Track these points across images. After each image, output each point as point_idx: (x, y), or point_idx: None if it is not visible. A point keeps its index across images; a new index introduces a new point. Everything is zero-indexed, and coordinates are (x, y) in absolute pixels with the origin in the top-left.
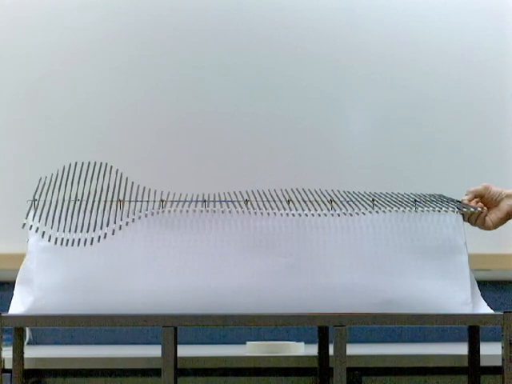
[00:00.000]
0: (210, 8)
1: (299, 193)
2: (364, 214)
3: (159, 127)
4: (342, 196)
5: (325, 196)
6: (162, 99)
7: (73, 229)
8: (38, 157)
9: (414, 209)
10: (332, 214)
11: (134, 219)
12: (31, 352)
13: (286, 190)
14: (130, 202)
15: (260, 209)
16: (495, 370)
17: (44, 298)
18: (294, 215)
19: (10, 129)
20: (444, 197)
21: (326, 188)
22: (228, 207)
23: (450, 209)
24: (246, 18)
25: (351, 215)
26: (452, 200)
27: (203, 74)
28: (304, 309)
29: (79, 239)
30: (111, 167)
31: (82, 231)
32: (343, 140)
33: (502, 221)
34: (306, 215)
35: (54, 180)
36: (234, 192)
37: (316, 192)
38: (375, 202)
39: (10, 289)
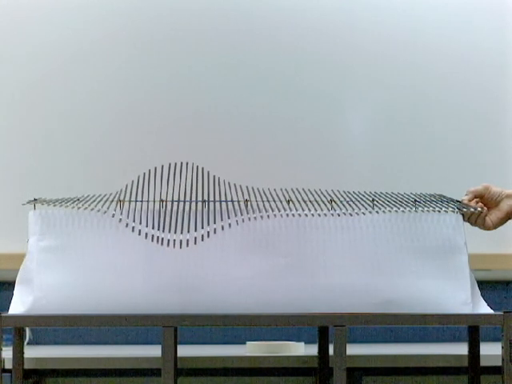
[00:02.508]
0: (210, 8)
1: (299, 193)
2: (364, 214)
3: (159, 127)
4: (342, 196)
5: (325, 196)
6: (162, 99)
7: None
8: (37, 157)
9: (414, 209)
10: (332, 214)
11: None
12: (31, 352)
13: (286, 190)
14: (129, 201)
15: (260, 209)
16: (495, 370)
17: (44, 297)
18: (293, 215)
19: (10, 129)
20: (444, 197)
21: (326, 188)
22: (228, 207)
23: (450, 209)
24: (246, 18)
25: (351, 215)
26: (452, 200)
27: (203, 73)
28: (304, 309)
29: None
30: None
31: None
32: (343, 140)
33: (502, 221)
34: (306, 215)
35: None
36: (236, 191)
37: (316, 192)
38: (375, 202)
39: (10, 289)
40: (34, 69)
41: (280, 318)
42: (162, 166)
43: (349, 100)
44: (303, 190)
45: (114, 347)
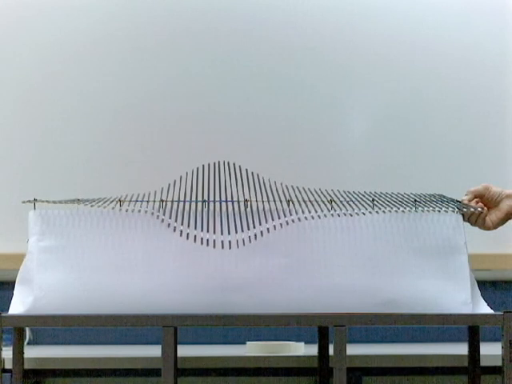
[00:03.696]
0: (210, 8)
1: (299, 192)
2: (364, 214)
3: (159, 127)
4: (342, 196)
5: (325, 196)
6: (162, 99)
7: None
8: (37, 157)
9: (414, 209)
10: (332, 215)
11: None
12: (31, 352)
13: (286, 186)
14: (130, 201)
15: (260, 209)
16: (495, 370)
17: (44, 297)
18: (294, 216)
19: (10, 129)
20: (444, 197)
21: (326, 188)
22: (228, 207)
23: (450, 209)
24: (247, 19)
25: (351, 215)
26: (452, 200)
27: (203, 73)
28: (304, 309)
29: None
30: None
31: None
32: (343, 140)
33: (502, 221)
34: (306, 218)
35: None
36: (237, 191)
37: (316, 192)
38: (375, 202)
39: (10, 289)
40: (34, 69)
41: (280, 318)
42: (164, 187)
43: (349, 100)
44: (303, 189)
45: (114, 347)
